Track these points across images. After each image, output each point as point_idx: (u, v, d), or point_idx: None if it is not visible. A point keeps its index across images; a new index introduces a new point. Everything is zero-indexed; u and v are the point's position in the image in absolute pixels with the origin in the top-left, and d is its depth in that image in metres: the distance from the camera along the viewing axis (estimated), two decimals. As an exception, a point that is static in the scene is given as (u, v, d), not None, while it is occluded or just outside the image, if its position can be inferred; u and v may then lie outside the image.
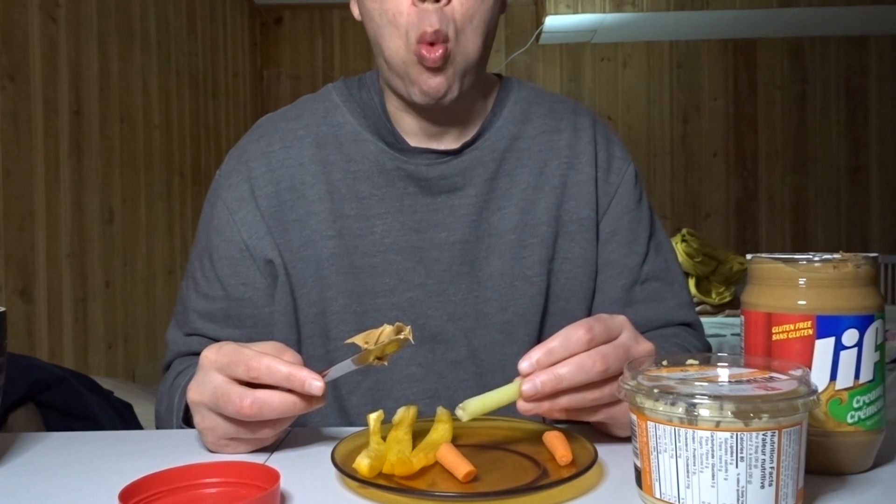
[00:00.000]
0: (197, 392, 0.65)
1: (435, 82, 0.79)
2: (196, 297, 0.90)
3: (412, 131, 0.88)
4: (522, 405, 0.60)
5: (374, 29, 0.82)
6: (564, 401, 0.60)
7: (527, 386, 0.59)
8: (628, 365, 0.55)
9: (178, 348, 0.90)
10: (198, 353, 0.87)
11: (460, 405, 0.60)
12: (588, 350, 0.60)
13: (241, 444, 0.66)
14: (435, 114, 0.86)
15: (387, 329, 0.64)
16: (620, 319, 0.64)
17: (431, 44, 0.78)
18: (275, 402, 0.62)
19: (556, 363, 0.59)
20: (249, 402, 0.61)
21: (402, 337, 0.63)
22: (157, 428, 0.85)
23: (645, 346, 0.64)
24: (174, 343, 0.91)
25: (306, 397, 0.62)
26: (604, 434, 0.69)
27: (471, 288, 0.88)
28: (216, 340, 0.87)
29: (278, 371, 0.61)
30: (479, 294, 0.88)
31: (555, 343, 0.60)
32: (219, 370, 0.64)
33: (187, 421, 0.76)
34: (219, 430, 0.65)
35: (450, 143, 0.89)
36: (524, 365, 0.59)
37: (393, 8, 0.79)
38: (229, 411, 0.62)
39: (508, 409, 0.62)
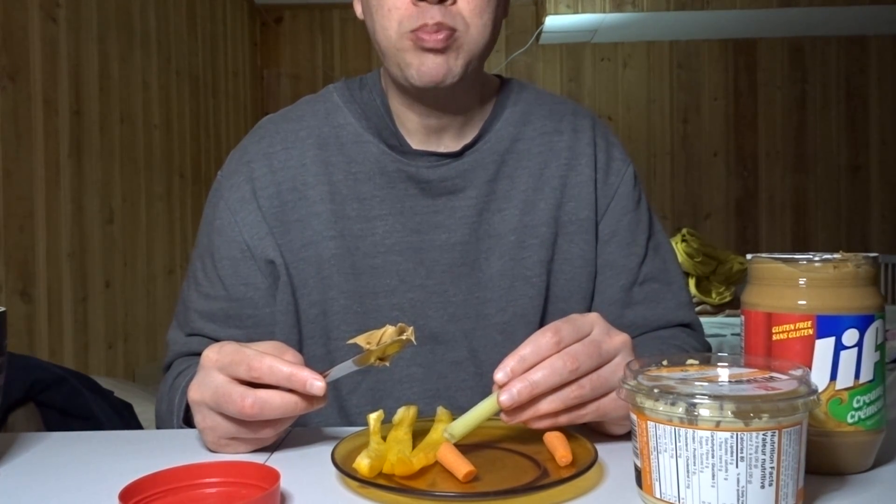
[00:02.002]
0: (198, 391, 0.65)
1: (434, 62, 0.79)
2: (197, 297, 0.90)
3: (414, 132, 0.88)
4: (506, 417, 0.60)
5: (372, 25, 0.82)
6: (545, 405, 0.60)
7: (504, 397, 0.59)
8: (628, 365, 0.55)
9: (179, 349, 0.90)
10: (198, 354, 0.88)
11: (446, 429, 0.61)
12: (558, 351, 0.60)
13: (241, 444, 0.66)
14: (435, 102, 0.85)
15: (389, 330, 0.64)
16: (591, 317, 0.65)
17: (435, 31, 0.77)
18: (276, 402, 0.62)
19: (529, 369, 0.60)
20: (251, 401, 0.61)
21: (404, 338, 0.63)
22: (158, 428, 0.85)
23: (617, 339, 0.64)
24: (175, 343, 0.91)
25: (308, 397, 0.62)
26: (603, 434, 0.69)
27: (471, 289, 0.88)
28: (217, 341, 0.87)
29: (280, 371, 0.61)
30: (480, 295, 0.88)
31: (526, 350, 0.60)
32: (220, 370, 0.64)
33: (188, 421, 0.76)
34: (220, 429, 0.65)
35: (450, 145, 0.89)
36: (499, 375, 0.60)
37: (391, 4, 0.79)
38: (231, 411, 0.62)
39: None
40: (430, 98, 0.84)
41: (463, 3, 0.79)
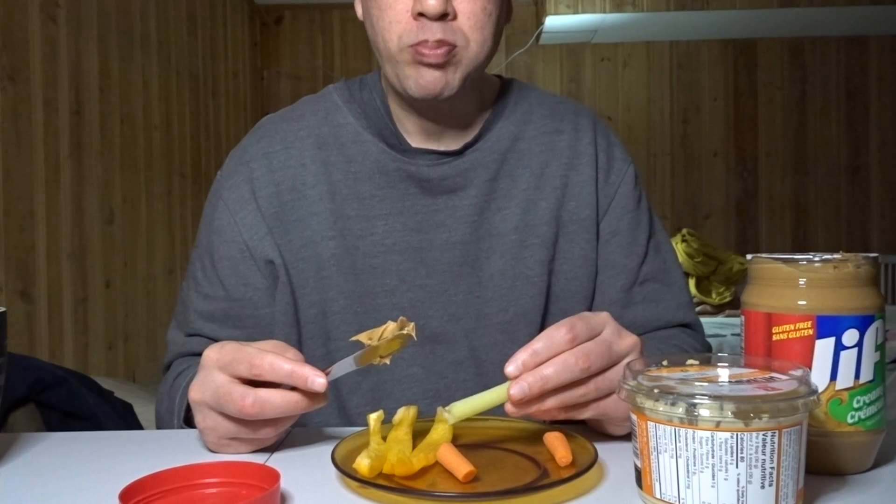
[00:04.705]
0: (199, 391, 0.65)
1: (433, 76, 0.79)
2: (197, 297, 0.90)
3: (414, 131, 0.88)
4: (511, 408, 0.60)
5: (373, 33, 0.83)
6: (551, 400, 0.60)
7: (514, 390, 0.59)
8: (628, 365, 0.55)
9: (179, 349, 0.90)
10: (198, 354, 0.87)
11: (446, 408, 0.61)
12: (571, 348, 0.60)
13: (242, 444, 0.66)
14: (434, 111, 0.86)
15: (390, 326, 0.64)
16: (603, 316, 0.64)
17: (435, 47, 0.77)
18: (276, 401, 0.62)
19: (540, 364, 0.60)
20: (251, 400, 0.61)
21: (405, 332, 0.63)
22: (158, 428, 0.85)
23: (628, 341, 0.64)
24: (174, 343, 0.91)
25: (308, 396, 0.62)
26: (602, 434, 0.69)
27: (472, 288, 0.88)
28: (216, 341, 0.87)
29: (281, 368, 0.61)
30: (480, 294, 0.88)
31: (539, 344, 0.60)
32: (221, 369, 0.64)
33: (189, 421, 0.76)
34: (220, 429, 0.65)
35: (451, 143, 0.89)
36: (510, 369, 0.60)
37: (392, 17, 0.79)
38: (231, 410, 0.62)
39: (499, 411, 0.62)
40: (428, 107, 0.85)
41: (463, 18, 0.79)
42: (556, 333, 0.61)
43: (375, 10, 0.80)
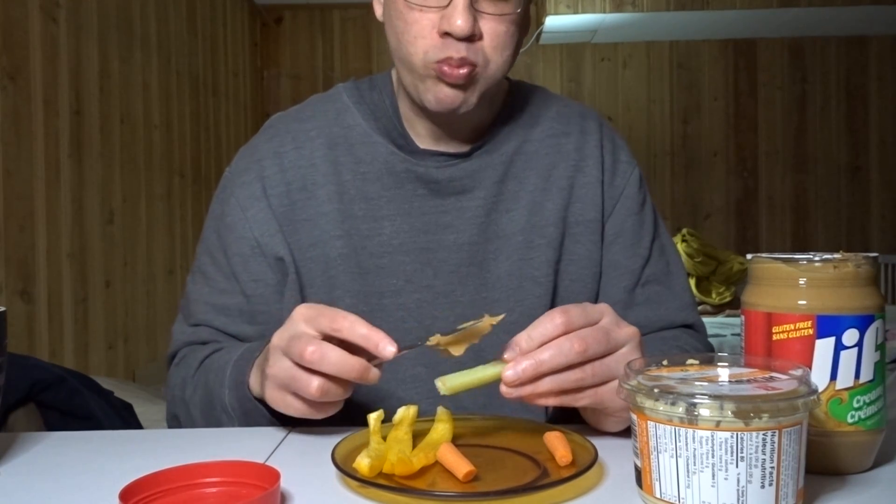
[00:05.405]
0: (279, 336, 0.67)
1: (452, 94, 0.80)
2: (209, 291, 0.90)
3: (422, 133, 0.89)
4: (505, 389, 0.61)
5: (395, 43, 0.83)
6: (546, 384, 0.61)
7: (509, 372, 0.61)
8: (628, 364, 0.55)
9: (186, 338, 0.90)
10: (206, 343, 0.87)
11: (440, 378, 0.63)
12: (567, 333, 0.61)
13: (295, 401, 0.67)
14: (446, 118, 0.86)
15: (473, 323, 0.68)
16: (601, 306, 0.65)
17: (458, 66, 0.78)
18: (334, 358, 0.63)
19: (536, 349, 0.61)
20: (312, 348, 0.63)
21: (494, 321, 0.66)
22: (171, 417, 0.86)
23: (627, 330, 0.65)
24: (181, 334, 0.91)
25: (362, 368, 0.63)
26: (601, 432, 0.69)
27: (478, 289, 0.88)
28: (226, 333, 0.87)
29: (359, 329, 0.63)
30: (487, 295, 0.88)
31: (535, 330, 0.62)
32: (306, 321, 0.66)
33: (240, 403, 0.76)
34: (280, 374, 0.66)
35: (459, 145, 0.89)
36: (507, 355, 0.62)
37: (417, 32, 0.79)
38: (293, 354, 0.64)
39: (505, 406, 0.62)
40: (442, 117, 0.85)
41: (488, 39, 0.80)
42: (552, 319, 0.62)
43: (400, 22, 0.81)
